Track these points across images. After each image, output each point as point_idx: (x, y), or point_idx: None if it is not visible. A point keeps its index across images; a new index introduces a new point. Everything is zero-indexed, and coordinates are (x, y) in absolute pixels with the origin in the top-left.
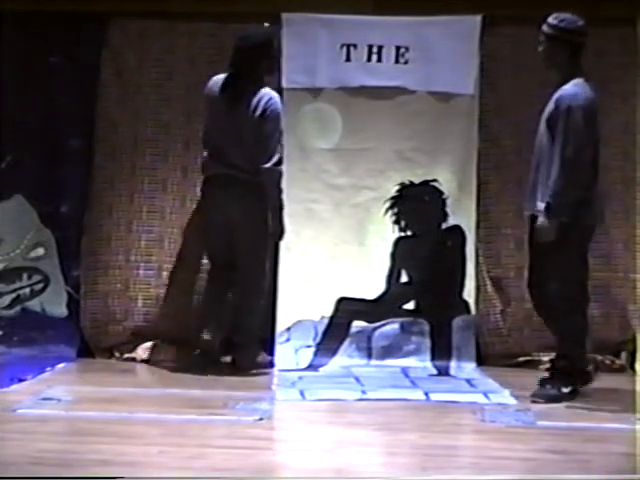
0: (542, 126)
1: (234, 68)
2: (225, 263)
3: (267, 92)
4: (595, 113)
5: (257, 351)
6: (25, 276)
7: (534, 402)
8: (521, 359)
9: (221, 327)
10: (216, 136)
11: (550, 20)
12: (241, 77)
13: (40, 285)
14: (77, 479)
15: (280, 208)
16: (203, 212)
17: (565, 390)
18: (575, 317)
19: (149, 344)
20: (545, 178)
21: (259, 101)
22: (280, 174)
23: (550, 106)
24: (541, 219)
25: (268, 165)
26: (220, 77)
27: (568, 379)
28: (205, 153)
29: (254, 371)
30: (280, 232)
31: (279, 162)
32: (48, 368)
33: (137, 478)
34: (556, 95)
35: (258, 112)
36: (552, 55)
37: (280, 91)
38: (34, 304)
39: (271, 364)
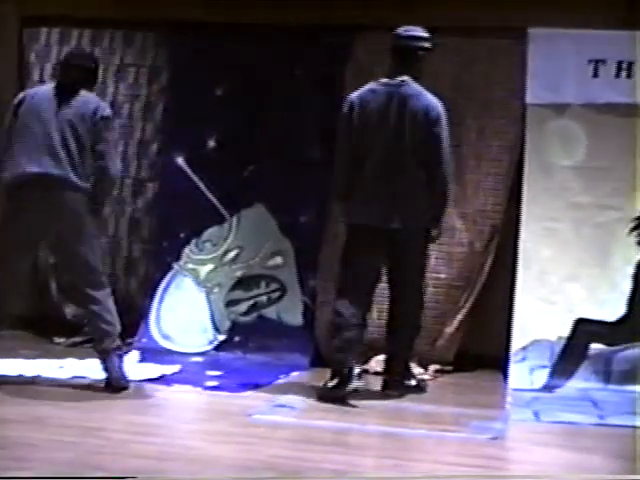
0: None
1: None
2: None
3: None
4: (353, 113)
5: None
6: (263, 284)
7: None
8: None
9: None
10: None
11: None
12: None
13: (277, 293)
14: (84, 479)
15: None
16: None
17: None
18: None
19: (383, 356)
20: None
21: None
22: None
23: None
24: None
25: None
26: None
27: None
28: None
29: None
30: None
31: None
32: (282, 375)
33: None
34: None
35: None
36: None
37: (524, 107)
38: (270, 312)
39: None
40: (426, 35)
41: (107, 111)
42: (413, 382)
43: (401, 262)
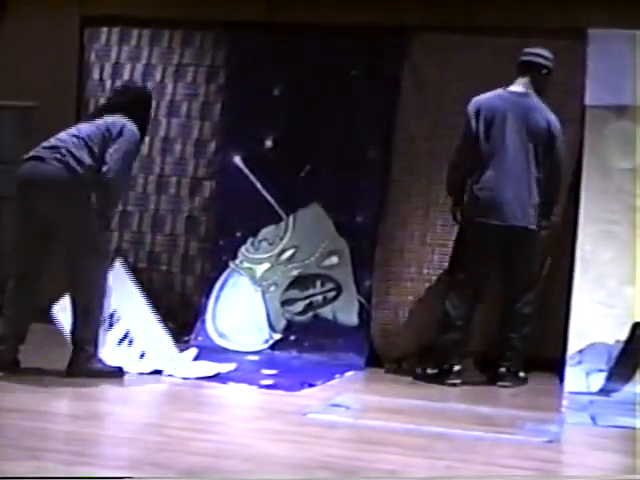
0: None
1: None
2: None
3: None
4: (479, 115)
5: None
6: (319, 283)
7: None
8: None
9: None
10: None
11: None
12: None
13: (333, 293)
14: (75, 479)
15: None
16: None
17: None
18: None
19: None
20: None
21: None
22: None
23: None
24: None
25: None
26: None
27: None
28: None
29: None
30: None
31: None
32: (337, 375)
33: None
34: None
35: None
36: None
37: (582, 109)
38: (326, 311)
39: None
40: (548, 55)
41: None
42: (522, 374)
43: (516, 260)
